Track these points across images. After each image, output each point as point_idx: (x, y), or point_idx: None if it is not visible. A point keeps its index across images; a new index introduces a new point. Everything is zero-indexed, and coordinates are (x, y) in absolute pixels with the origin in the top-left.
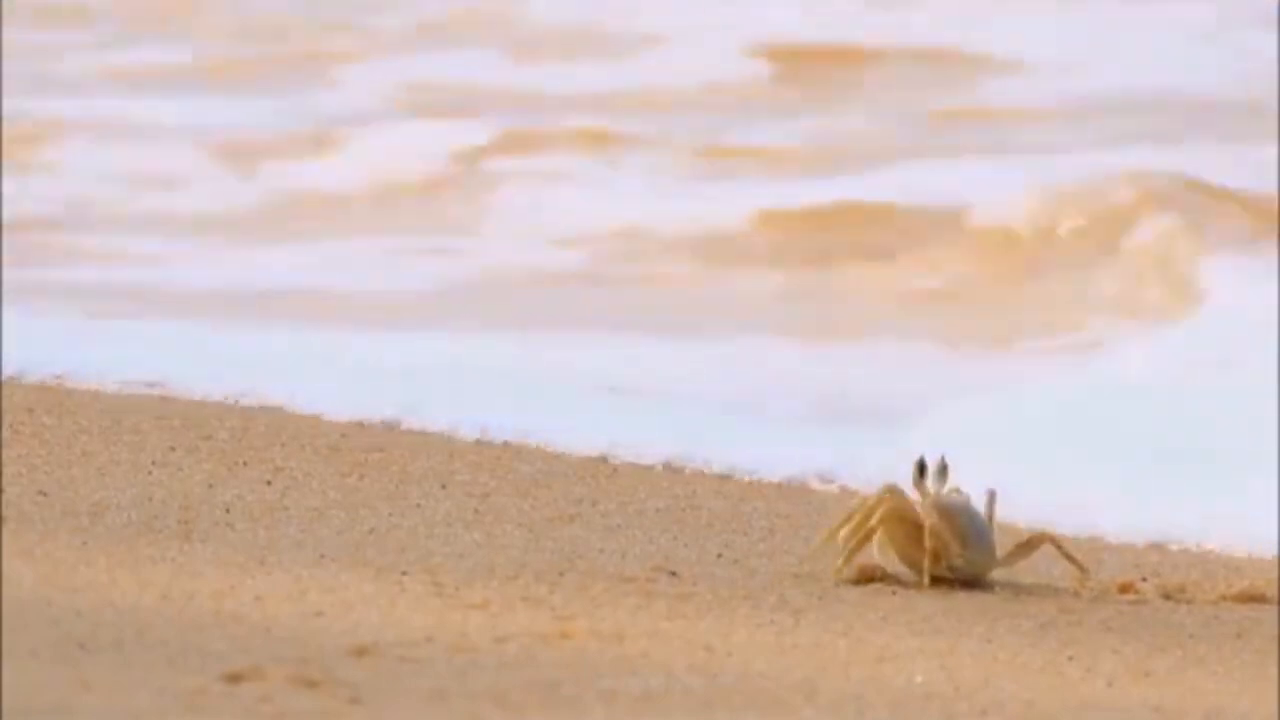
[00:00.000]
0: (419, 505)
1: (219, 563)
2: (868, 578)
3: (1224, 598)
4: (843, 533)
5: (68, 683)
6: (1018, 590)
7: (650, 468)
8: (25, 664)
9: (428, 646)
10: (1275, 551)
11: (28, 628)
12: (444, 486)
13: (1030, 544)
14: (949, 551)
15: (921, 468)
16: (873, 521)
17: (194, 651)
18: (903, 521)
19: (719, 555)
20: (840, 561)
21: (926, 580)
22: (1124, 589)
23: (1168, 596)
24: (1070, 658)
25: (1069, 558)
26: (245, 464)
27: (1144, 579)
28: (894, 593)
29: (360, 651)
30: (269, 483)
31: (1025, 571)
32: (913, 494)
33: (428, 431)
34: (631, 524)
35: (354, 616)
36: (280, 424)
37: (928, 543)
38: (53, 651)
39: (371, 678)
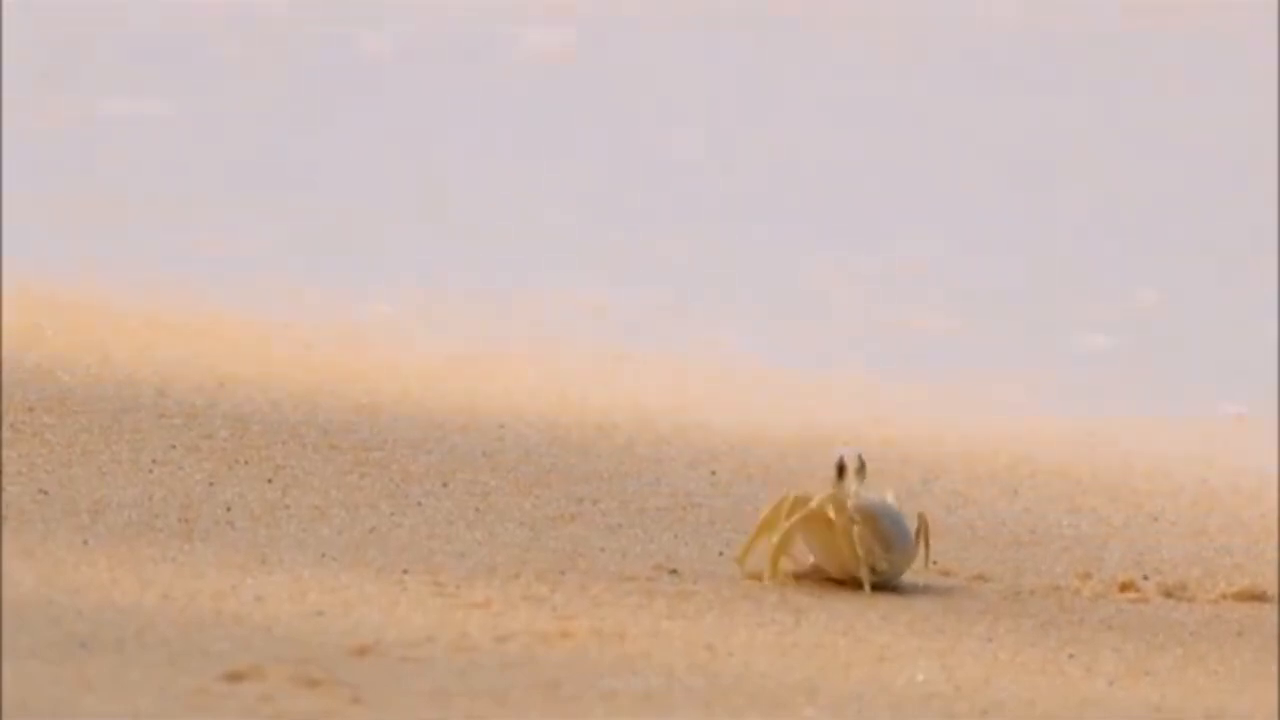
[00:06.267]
0: (420, 504)
1: (220, 562)
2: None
3: (1225, 596)
4: (772, 539)
5: (69, 682)
6: (1018, 590)
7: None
8: (26, 664)
9: (429, 646)
10: None
11: (28, 628)
12: (445, 485)
13: (920, 529)
14: (872, 555)
15: (841, 468)
16: (802, 514)
17: (195, 651)
18: (822, 523)
19: (720, 554)
20: (769, 567)
21: (868, 588)
22: (1124, 587)
23: (1168, 595)
24: (1071, 656)
25: (925, 542)
26: (246, 463)
27: (1145, 577)
28: (895, 591)
29: (361, 651)
30: (270, 481)
31: (1025, 571)
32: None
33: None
34: (633, 523)
35: (355, 616)
36: (281, 422)
37: (854, 544)
38: (54, 651)
39: (373, 677)
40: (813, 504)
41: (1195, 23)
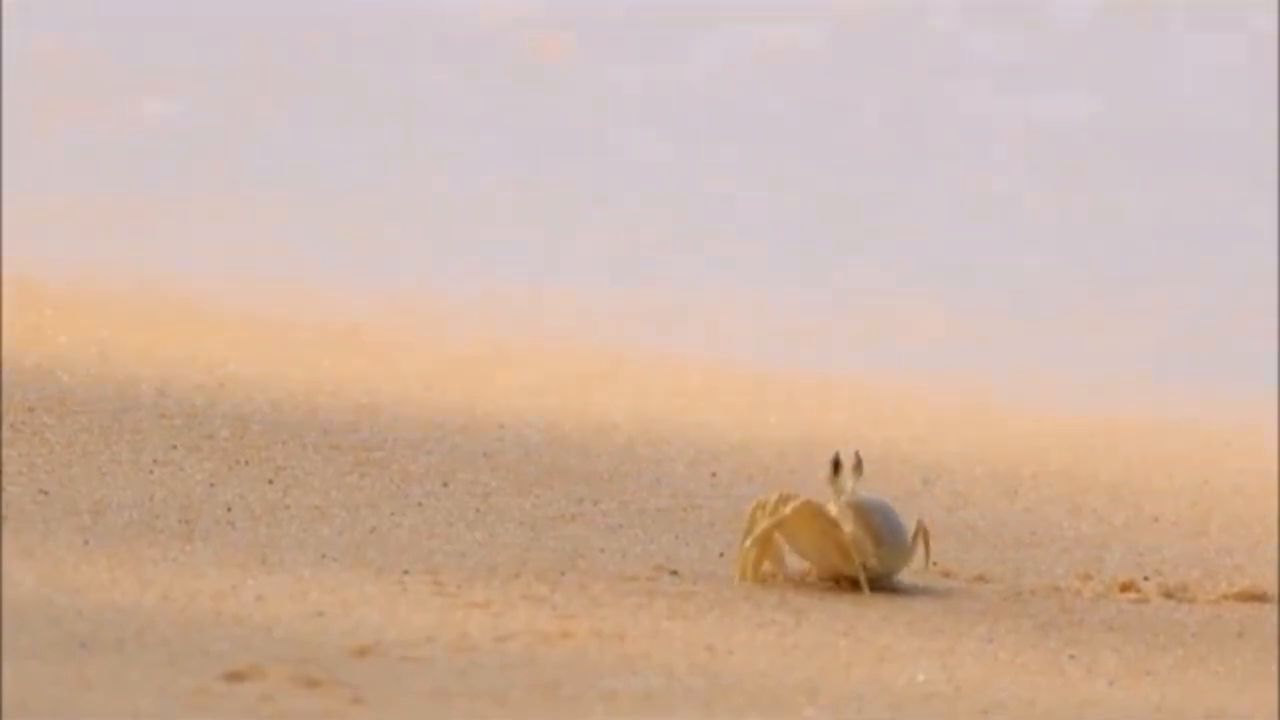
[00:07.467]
0: (420, 504)
1: (220, 562)
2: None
3: (1225, 596)
4: (752, 543)
5: (69, 682)
6: (1018, 590)
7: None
8: (26, 664)
9: (429, 646)
10: None
11: (28, 628)
12: (445, 485)
13: (917, 533)
14: (863, 551)
15: (836, 464)
16: (786, 512)
17: (195, 651)
18: (813, 520)
19: (721, 554)
20: (767, 565)
21: (866, 589)
22: (1125, 588)
23: (1169, 595)
24: (1071, 657)
25: (925, 546)
26: (246, 463)
27: (1145, 578)
28: (895, 592)
29: (362, 651)
30: (270, 482)
31: (1026, 572)
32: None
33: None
34: (633, 523)
35: (355, 616)
36: (281, 422)
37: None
38: (54, 651)
39: (373, 677)
40: (796, 502)
41: (1194, 22)
